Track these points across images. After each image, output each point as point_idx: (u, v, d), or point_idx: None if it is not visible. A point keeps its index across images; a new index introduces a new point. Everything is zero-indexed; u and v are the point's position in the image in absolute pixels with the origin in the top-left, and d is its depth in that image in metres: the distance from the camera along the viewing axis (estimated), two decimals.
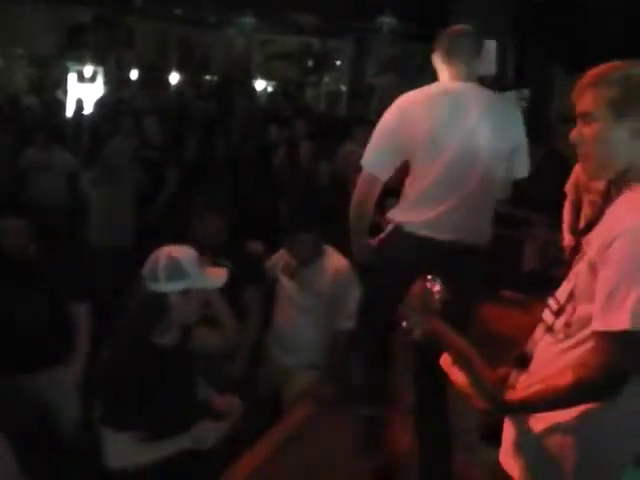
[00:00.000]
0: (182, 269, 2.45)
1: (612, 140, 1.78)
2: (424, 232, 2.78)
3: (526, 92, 9.62)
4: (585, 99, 1.81)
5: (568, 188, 5.08)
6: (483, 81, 5.47)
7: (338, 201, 6.41)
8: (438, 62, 2.91)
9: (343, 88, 15.76)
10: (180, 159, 7.40)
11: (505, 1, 8.12)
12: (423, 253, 2.71)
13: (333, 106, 14.25)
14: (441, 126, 2.74)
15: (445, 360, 1.94)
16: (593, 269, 1.74)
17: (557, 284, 1.95)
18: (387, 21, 12.06)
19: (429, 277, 1.98)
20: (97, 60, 13.91)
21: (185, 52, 15.89)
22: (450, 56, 2.85)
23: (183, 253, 2.50)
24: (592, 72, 1.81)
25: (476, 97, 2.81)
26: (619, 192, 1.81)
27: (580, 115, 1.84)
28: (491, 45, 6.60)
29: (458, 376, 1.90)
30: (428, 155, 2.79)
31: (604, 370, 1.65)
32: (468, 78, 2.84)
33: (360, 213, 2.96)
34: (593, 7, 9.08)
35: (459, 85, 2.84)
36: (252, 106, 11.87)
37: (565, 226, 5.13)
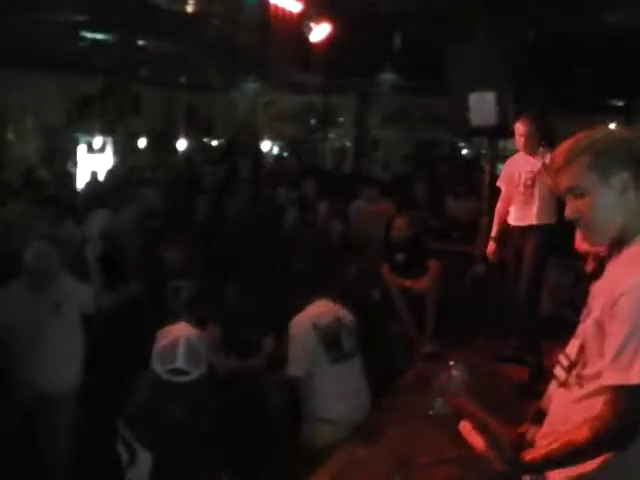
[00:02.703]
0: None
1: (606, 203, 1.85)
2: None
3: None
4: (565, 177, 1.87)
5: None
6: (484, 131, 5.58)
7: (352, 259, 6.50)
8: None
9: (348, 144, 15.94)
10: (189, 225, 7.48)
11: (501, 49, 8.26)
12: None
13: (339, 162, 14.40)
14: None
15: (465, 426, 1.98)
16: (600, 326, 1.80)
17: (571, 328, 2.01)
18: (387, 77, 12.24)
19: (451, 364, 2.13)
20: (106, 130, 14.11)
21: (191, 117, 16.13)
22: None
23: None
24: (559, 152, 1.91)
25: None
26: (621, 247, 1.86)
27: (568, 191, 1.90)
28: (490, 96, 6.73)
29: (478, 441, 1.93)
30: None
31: (618, 422, 1.73)
32: None
33: None
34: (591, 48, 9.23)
35: None
36: (259, 168, 12.02)
37: None
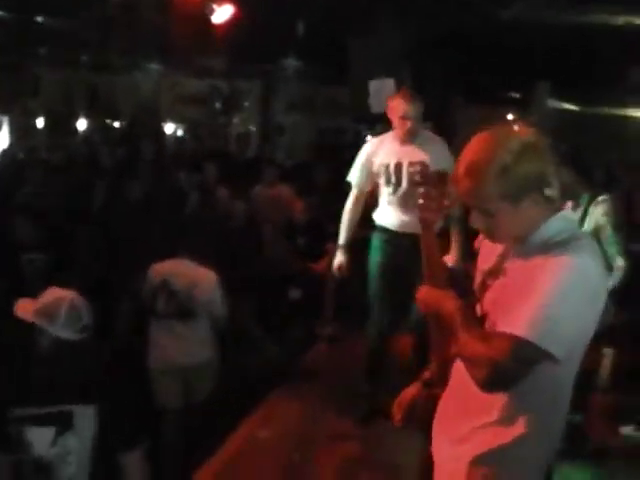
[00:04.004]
0: None
1: (512, 220, 1.97)
2: None
3: (429, 124, 9.99)
4: (473, 195, 1.97)
5: None
6: (385, 118, 5.70)
7: (253, 242, 6.52)
8: None
9: (252, 129, 15.90)
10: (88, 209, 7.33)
11: (401, 39, 8.42)
12: None
13: (243, 147, 14.33)
14: None
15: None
16: (515, 287, 1.94)
17: None
18: (291, 63, 12.29)
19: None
20: (2, 109, 13.62)
21: (92, 98, 15.73)
22: None
23: None
24: (466, 164, 1.96)
25: None
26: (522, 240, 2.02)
27: (474, 206, 1.99)
28: (389, 83, 6.85)
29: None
30: None
31: (505, 366, 1.88)
32: None
33: None
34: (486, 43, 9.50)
35: None
36: (161, 151, 11.84)
37: None
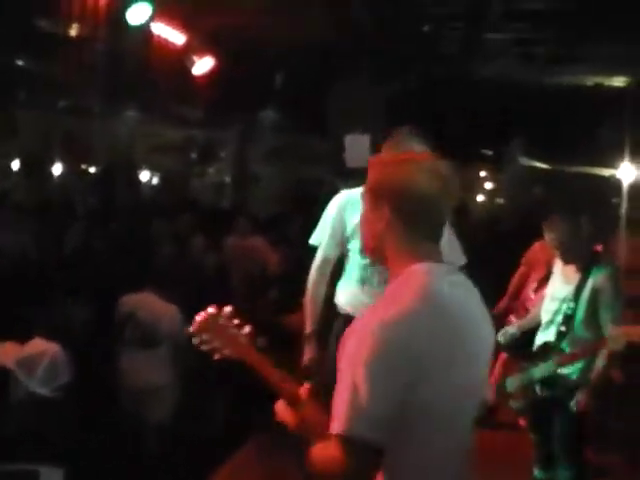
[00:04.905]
0: None
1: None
2: None
3: None
4: (367, 213, 1.95)
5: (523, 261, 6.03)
6: (360, 173, 5.61)
7: (224, 294, 6.48)
8: None
9: (227, 179, 15.95)
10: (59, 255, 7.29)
11: (377, 93, 8.55)
12: None
13: (218, 197, 14.36)
14: None
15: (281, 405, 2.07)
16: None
17: None
18: (269, 114, 12.41)
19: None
20: None
21: (68, 142, 15.71)
22: None
23: None
24: (368, 182, 1.95)
25: None
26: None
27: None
28: (364, 139, 6.94)
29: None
30: None
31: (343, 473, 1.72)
32: None
33: None
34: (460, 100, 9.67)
35: None
36: (135, 198, 11.84)
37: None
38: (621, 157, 9.84)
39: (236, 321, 2.18)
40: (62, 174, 15.30)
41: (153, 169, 16.06)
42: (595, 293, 3.80)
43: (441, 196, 1.84)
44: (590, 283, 3.83)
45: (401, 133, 3.46)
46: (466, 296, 1.89)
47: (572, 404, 3.78)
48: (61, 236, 7.88)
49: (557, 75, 9.33)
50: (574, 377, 3.84)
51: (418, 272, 1.81)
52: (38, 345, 2.97)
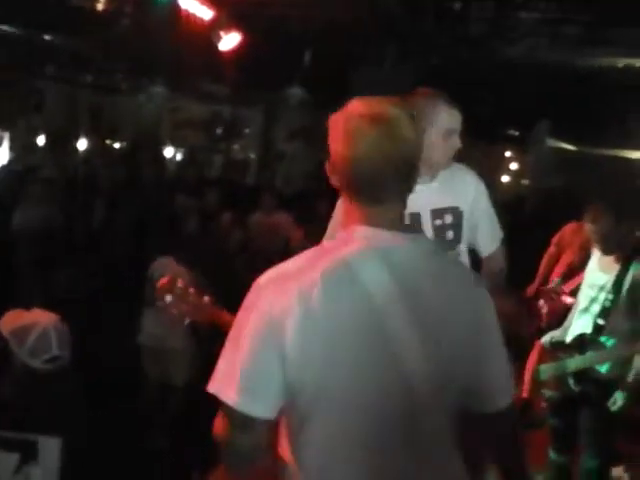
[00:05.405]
0: None
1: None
2: None
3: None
4: None
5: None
6: None
7: (249, 270, 6.50)
8: None
9: (252, 156, 15.95)
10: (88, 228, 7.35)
11: (403, 72, 8.49)
12: None
13: (242, 174, 14.38)
14: None
15: None
16: None
17: None
18: (295, 91, 12.37)
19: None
20: (3, 125, 13.66)
21: (94, 118, 15.80)
22: None
23: None
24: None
25: None
26: None
27: None
28: None
29: None
30: None
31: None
32: None
33: None
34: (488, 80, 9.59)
35: None
36: (160, 174, 11.88)
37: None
38: None
39: (192, 289, 2.23)
40: (87, 149, 15.39)
41: (178, 145, 16.10)
42: (636, 285, 3.73)
43: (381, 154, 1.61)
44: (630, 275, 3.76)
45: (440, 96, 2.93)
46: (416, 268, 1.63)
47: (609, 403, 3.72)
48: (88, 211, 7.95)
49: (587, 56, 9.20)
50: (608, 373, 3.77)
51: (341, 238, 1.67)
52: (34, 315, 2.94)
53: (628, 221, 3.86)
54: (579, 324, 3.92)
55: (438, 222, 2.83)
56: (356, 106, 1.67)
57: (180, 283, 2.17)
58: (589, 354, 3.78)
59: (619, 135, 11.24)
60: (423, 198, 2.63)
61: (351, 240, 1.63)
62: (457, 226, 2.86)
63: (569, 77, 9.41)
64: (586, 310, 3.89)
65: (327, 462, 1.60)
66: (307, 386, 1.56)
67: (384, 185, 1.64)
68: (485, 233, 2.99)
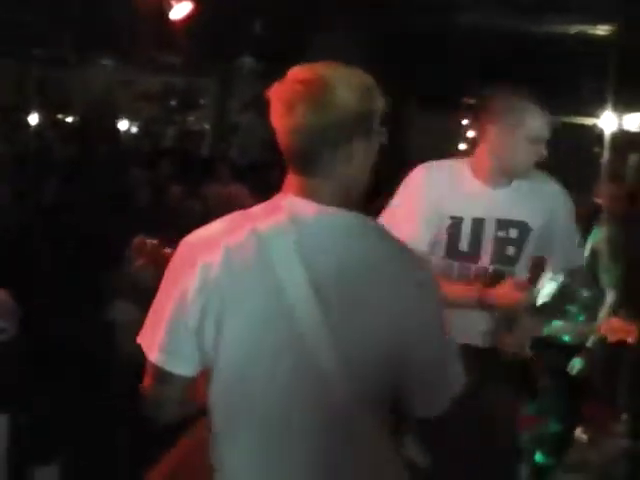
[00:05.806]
0: None
1: None
2: None
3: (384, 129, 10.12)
4: None
5: None
6: None
7: None
8: None
9: (207, 126, 15.82)
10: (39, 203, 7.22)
11: (358, 41, 8.46)
12: None
13: (197, 145, 14.26)
14: None
15: None
16: None
17: None
18: (247, 61, 12.26)
19: None
20: None
21: (44, 92, 15.49)
22: None
23: None
24: None
25: None
26: None
27: None
28: None
29: None
30: None
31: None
32: None
33: None
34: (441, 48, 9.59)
35: None
36: (114, 147, 11.72)
37: None
38: (603, 106, 9.81)
39: (168, 250, 2.17)
40: (38, 124, 15.10)
41: (131, 118, 15.89)
42: (594, 254, 3.75)
43: (311, 122, 1.52)
44: (589, 244, 3.78)
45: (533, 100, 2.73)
46: (335, 243, 1.53)
47: (568, 368, 3.76)
48: (39, 185, 7.80)
49: (539, 23, 9.23)
50: (570, 341, 3.81)
51: (269, 205, 1.62)
52: None
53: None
54: (547, 289, 3.97)
55: (501, 234, 2.60)
56: (294, 73, 1.60)
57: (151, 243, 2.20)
58: (555, 323, 3.82)
59: (573, 102, 11.32)
60: (491, 203, 2.58)
61: (278, 209, 1.58)
62: (520, 244, 2.61)
63: (521, 44, 9.45)
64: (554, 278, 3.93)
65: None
66: (220, 363, 1.54)
67: (316, 155, 1.55)
68: (558, 255, 2.73)
